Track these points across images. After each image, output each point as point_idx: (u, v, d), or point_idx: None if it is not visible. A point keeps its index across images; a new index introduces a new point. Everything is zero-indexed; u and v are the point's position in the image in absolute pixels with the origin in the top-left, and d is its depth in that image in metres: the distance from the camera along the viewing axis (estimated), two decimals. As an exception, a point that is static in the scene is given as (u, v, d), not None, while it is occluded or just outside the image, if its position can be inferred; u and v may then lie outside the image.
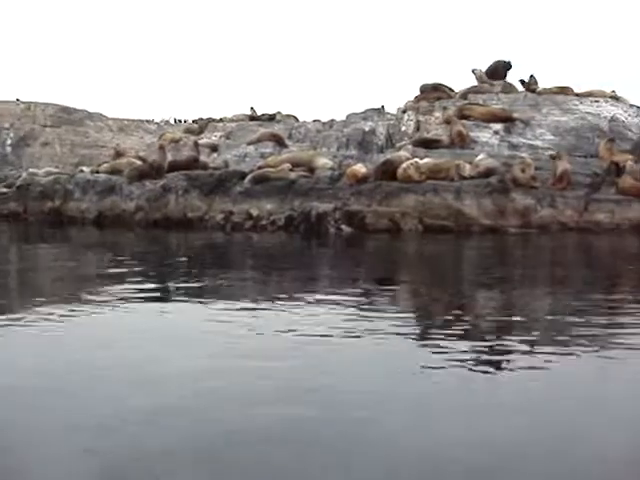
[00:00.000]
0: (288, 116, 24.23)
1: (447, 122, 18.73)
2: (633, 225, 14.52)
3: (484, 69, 21.04)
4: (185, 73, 74.54)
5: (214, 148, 21.69)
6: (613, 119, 18.13)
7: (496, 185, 15.24)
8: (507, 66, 20.98)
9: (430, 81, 21.54)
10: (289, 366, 4.53)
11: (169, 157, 18.77)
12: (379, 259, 11.52)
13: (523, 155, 16.73)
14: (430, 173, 15.52)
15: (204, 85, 73.21)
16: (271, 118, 23.87)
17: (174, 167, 18.22)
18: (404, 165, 15.53)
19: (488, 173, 15.50)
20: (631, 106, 19.03)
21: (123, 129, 30.95)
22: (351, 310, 6.33)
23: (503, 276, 9.06)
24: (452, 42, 64.63)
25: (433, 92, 20.90)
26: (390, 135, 19.81)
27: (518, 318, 6.22)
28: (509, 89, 20.33)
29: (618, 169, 15.74)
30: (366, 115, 21.28)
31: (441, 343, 5.07)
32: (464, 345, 4.98)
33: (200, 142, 21.98)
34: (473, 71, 20.97)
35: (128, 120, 32.37)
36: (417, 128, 19.54)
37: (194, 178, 17.69)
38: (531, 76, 20.90)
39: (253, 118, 24.30)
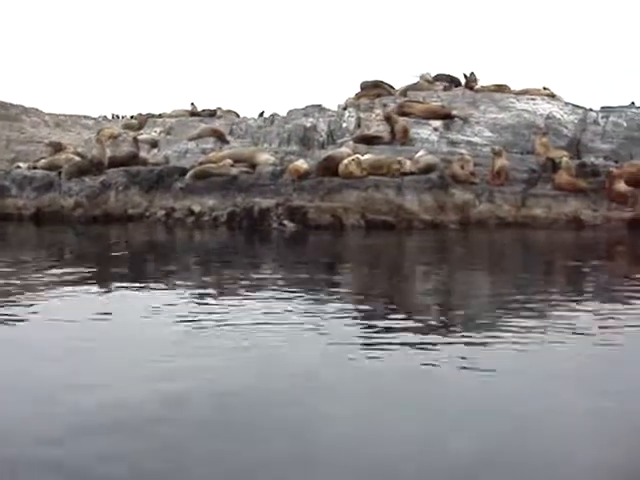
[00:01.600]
0: (229, 112, 24.11)
1: (387, 119, 18.96)
2: (569, 220, 14.88)
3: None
4: (122, 68, 73.64)
5: (154, 144, 21.50)
6: (549, 116, 18.55)
7: (436, 181, 15.49)
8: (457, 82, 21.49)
9: (370, 78, 21.79)
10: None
11: (108, 153, 18.54)
12: (321, 254, 11.61)
13: (462, 152, 17.02)
14: (371, 169, 15.68)
15: (142, 80, 72.42)
16: (212, 114, 23.73)
17: (114, 163, 18.03)
18: (345, 161, 15.65)
19: (428, 169, 15.75)
20: (566, 104, 19.49)
21: (60, 124, 30.42)
22: (299, 303, 6.40)
23: (437, 266, 9.25)
24: (392, 39, 65.14)
25: (373, 89, 21.11)
26: (331, 131, 19.90)
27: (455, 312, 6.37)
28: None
29: (554, 165, 16.13)
30: (307, 111, 21.32)
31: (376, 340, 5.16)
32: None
33: (140, 138, 21.77)
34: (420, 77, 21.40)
35: (65, 115, 31.84)
36: (358, 125, 19.70)
37: (134, 174, 17.54)
38: (471, 73, 21.30)
39: (193, 114, 24.14)
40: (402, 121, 18.00)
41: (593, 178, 15.65)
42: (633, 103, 20.01)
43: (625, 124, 18.09)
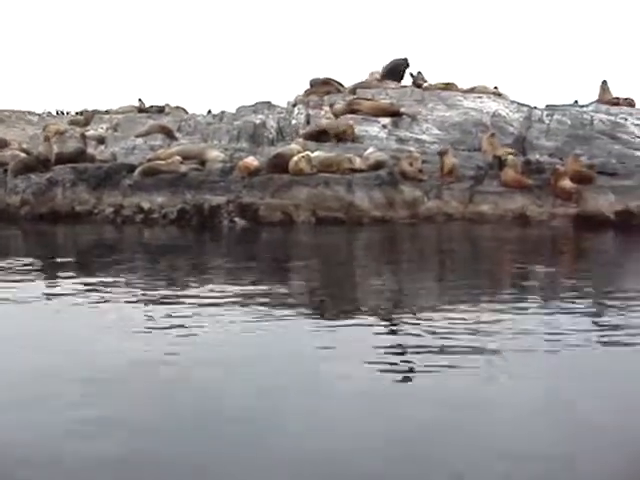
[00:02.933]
0: (177, 108, 23.93)
1: (335, 116, 19.12)
2: (515, 216, 15.14)
3: (381, 67, 21.66)
4: (67, 63, 72.43)
5: (101, 140, 21.21)
6: (495, 114, 18.87)
7: (385, 178, 15.63)
8: (404, 64, 21.52)
9: (320, 76, 21.89)
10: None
11: (55, 149, 18.27)
12: (271, 250, 11.65)
13: (410, 149, 17.21)
14: (321, 166, 15.77)
15: (87, 76, 71.32)
16: (160, 110, 23.53)
17: (61, 160, 17.77)
18: (295, 158, 15.71)
19: (377, 166, 15.90)
20: (512, 102, 19.85)
21: (4, 120, 29.85)
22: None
23: (387, 261, 9.38)
24: (342, 37, 65.34)
25: (323, 86, 21.20)
26: (280, 128, 19.93)
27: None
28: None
29: (500, 162, 16.39)
30: (256, 108, 21.29)
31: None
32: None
33: (87, 134, 21.48)
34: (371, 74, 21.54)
35: (9, 111, 31.25)
36: (307, 121, 19.77)
37: (82, 171, 17.31)
38: (419, 72, 21.55)
39: (141, 110, 23.89)
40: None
41: (538, 175, 15.94)
42: (576, 102, 20.43)
43: (569, 122, 18.48)
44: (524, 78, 51.17)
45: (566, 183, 15.04)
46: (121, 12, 74.58)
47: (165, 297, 6.73)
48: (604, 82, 20.44)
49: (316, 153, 16.19)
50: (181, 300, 6.49)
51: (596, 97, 20.34)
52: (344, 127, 17.84)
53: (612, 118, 18.55)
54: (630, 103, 20.12)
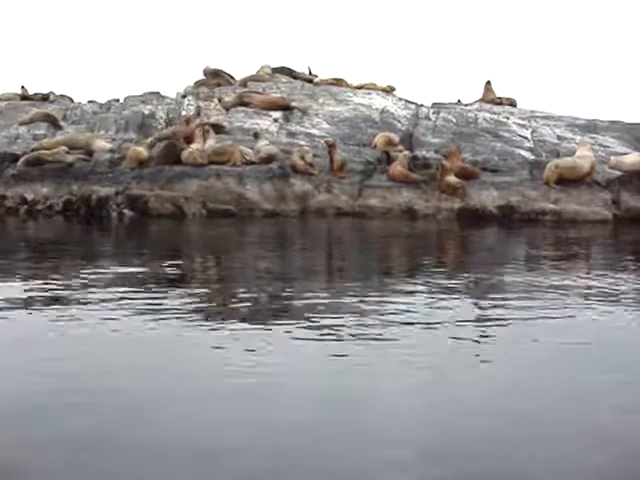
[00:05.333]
0: (63, 96, 23.21)
1: (226, 109, 19.06)
2: (402, 210, 15.52)
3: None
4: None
5: (-19, 128, 20.38)
6: (384, 111, 19.27)
7: (276, 171, 15.74)
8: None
9: (210, 67, 21.78)
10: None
11: None
12: (160, 244, 11.54)
13: (301, 143, 17.37)
14: (215, 156, 15.73)
15: (-36, 61, 68.14)
16: (44, 98, 22.73)
17: (-63, 147, 17.01)
18: (189, 149, 15.61)
19: (269, 159, 15.98)
20: (400, 99, 20.32)
21: None
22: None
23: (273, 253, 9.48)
24: (231, 30, 64.89)
25: (213, 78, 21.08)
26: (170, 119, 19.69)
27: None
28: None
29: (388, 157, 16.78)
30: (145, 98, 20.97)
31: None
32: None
33: (-35, 121, 20.58)
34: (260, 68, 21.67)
35: None
36: (198, 113, 19.61)
37: (-39, 160, 16.63)
38: (308, 67, 21.82)
39: (24, 97, 23.04)
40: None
41: (425, 170, 16.39)
42: (459, 101, 21.09)
43: (454, 120, 19.07)
44: (412, 77, 52.15)
45: (451, 178, 15.53)
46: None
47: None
48: (488, 82, 21.22)
49: (209, 142, 16.13)
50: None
51: (479, 96, 21.11)
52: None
53: (495, 117, 19.27)
54: (512, 103, 20.96)
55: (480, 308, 5.84)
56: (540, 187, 15.51)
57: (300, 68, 22.55)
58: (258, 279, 7.39)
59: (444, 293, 6.32)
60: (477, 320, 5.32)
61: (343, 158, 16.27)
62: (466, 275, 7.56)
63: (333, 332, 4.83)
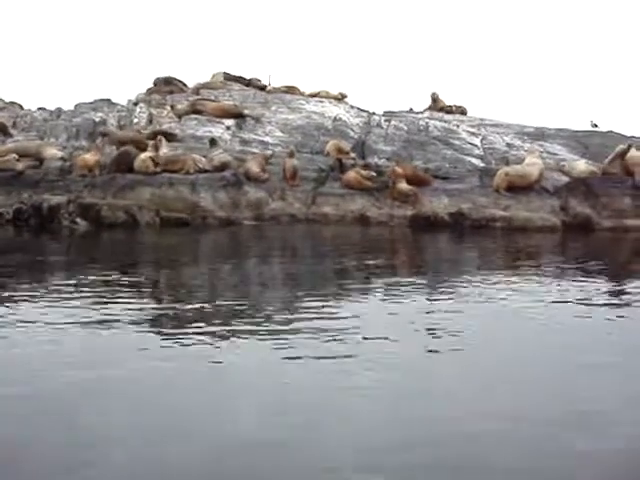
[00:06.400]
0: (12, 103, 22.90)
1: (179, 116, 19.03)
2: (355, 217, 15.64)
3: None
4: None
5: None
6: (336, 119, 19.42)
7: (230, 179, 15.74)
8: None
9: (161, 74, 21.72)
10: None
11: None
12: (113, 254, 11.46)
13: (254, 151, 17.42)
14: (167, 163, 15.67)
15: None
16: (-8, 105, 22.44)
17: None
18: (142, 156, 15.54)
19: (222, 167, 15.99)
20: (352, 107, 20.51)
21: None
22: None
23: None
24: (183, 36, 64.60)
25: (166, 85, 21.03)
26: (121, 127, 19.57)
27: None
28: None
29: (341, 165, 16.92)
30: (96, 105, 20.85)
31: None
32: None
33: None
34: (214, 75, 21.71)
35: None
36: (150, 121, 19.55)
37: None
38: (254, 79, 22.00)
39: (-28, 104, 22.70)
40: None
41: (377, 178, 16.56)
42: (411, 109, 21.37)
43: (406, 127, 19.31)
44: (364, 85, 52.58)
45: (403, 186, 15.72)
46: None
47: None
48: (434, 94, 21.54)
49: (163, 150, 16.07)
50: None
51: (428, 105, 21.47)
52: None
53: (446, 125, 19.58)
54: (462, 111, 21.32)
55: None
56: (490, 194, 15.78)
57: (251, 76, 22.62)
58: (213, 289, 7.42)
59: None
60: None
61: (294, 165, 16.36)
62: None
63: (283, 338, 4.91)
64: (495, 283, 7.77)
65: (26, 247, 11.91)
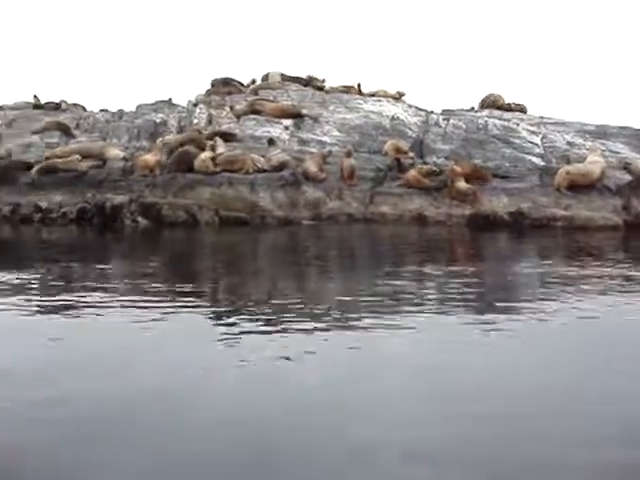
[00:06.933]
0: (75, 105, 23.43)
1: (238, 117, 19.21)
2: (413, 216, 15.59)
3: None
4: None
5: (-6, 137, 20.56)
6: (394, 118, 19.38)
7: (289, 178, 15.84)
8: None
9: (220, 75, 21.98)
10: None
11: (-54, 146, 17.64)
12: (173, 250, 11.65)
13: (312, 150, 17.50)
14: (226, 164, 15.85)
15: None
16: (57, 107, 22.97)
17: (-48, 157, 17.20)
18: (202, 156, 15.75)
19: (281, 167, 16.09)
20: (410, 106, 20.43)
21: None
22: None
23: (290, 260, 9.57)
24: (243, 37, 65.19)
25: (224, 86, 21.26)
26: (182, 127, 19.86)
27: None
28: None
29: (399, 165, 16.89)
30: (157, 107, 21.18)
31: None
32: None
33: (-21, 130, 20.80)
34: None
35: None
36: (209, 121, 19.78)
37: (-25, 168, 16.78)
38: (309, 76, 22.01)
39: (37, 106, 23.28)
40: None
41: (435, 177, 16.48)
42: (473, 108, 21.20)
43: (464, 126, 19.17)
44: (422, 83, 52.37)
45: (462, 184, 15.61)
46: (13, 5, 72.09)
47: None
48: (490, 95, 21.35)
49: (220, 150, 16.28)
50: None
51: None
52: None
53: (505, 123, 19.37)
54: (522, 109, 21.07)
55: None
56: (551, 193, 15.58)
57: (306, 75, 22.67)
58: (272, 287, 7.48)
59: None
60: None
61: (351, 165, 16.37)
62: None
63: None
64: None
65: (89, 246, 12.17)
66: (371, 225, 14.94)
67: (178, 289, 6.97)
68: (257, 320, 5.41)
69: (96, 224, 14.83)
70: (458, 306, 5.98)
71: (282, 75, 22.41)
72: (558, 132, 19.35)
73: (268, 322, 5.35)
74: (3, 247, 12.10)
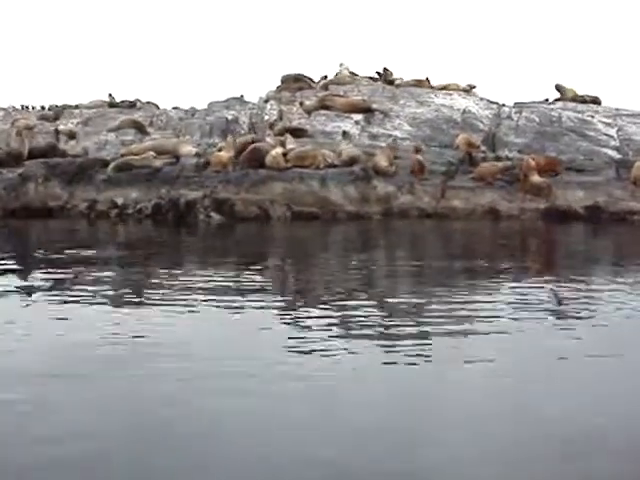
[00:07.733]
0: (149, 103, 23.89)
1: (308, 112, 19.28)
2: (485, 210, 15.43)
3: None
4: (32, 57, 71.38)
5: (72, 135, 21.11)
6: (465, 111, 19.18)
7: (359, 173, 15.83)
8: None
9: (290, 71, 22.09)
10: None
11: (27, 144, 18.14)
12: (247, 245, 11.79)
13: (383, 145, 17.45)
14: (297, 160, 15.93)
15: (51, 70, 70.35)
16: (131, 105, 23.42)
17: (32, 154, 17.68)
18: (273, 153, 15.87)
19: (351, 162, 16.10)
20: (481, 99, 20.19)
21: (-32, 115, 29.36)
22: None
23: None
24: (311, 32, 65.34)
25: (294, 82, 21.35)
26: (253, 124, 20.04)
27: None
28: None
29: (471, 159, 16.72)
30: (228, 104, 21.41)
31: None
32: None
33: (58, 129, 21.39)
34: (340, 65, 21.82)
35: (-28, 105, 30.74)
36: (280, 117, 19.90)
37: (54, 166, 17.22)
38: (385, 69, 21.86)
39: (112, 105, 23.79)
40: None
41: (508, 171, 16.25)
42: (547, 100, 20.80)
43: (537, 119, 18.84)
44: (493, 76, 51.57)
45: (536, 178, 15.36)
46: (88, 6, 73.71)
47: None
48: (558, 85, 20.86)
49: (290, 146, 16.38)
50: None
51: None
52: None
53: (579, 115, 18.96)
54: (595, 101, 20.58)
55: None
56: (628, 187, 15.24)
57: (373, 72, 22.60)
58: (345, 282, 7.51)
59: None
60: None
61: (421, 161, 16.26)
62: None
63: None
64: None
65: (170, 244, 12.40)
66: (443, 220, 14.82)
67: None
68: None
69: (171, 219, 15.11)
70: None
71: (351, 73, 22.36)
72: (635, 124, 18.86)
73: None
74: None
